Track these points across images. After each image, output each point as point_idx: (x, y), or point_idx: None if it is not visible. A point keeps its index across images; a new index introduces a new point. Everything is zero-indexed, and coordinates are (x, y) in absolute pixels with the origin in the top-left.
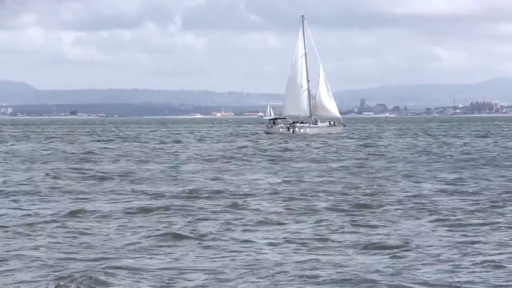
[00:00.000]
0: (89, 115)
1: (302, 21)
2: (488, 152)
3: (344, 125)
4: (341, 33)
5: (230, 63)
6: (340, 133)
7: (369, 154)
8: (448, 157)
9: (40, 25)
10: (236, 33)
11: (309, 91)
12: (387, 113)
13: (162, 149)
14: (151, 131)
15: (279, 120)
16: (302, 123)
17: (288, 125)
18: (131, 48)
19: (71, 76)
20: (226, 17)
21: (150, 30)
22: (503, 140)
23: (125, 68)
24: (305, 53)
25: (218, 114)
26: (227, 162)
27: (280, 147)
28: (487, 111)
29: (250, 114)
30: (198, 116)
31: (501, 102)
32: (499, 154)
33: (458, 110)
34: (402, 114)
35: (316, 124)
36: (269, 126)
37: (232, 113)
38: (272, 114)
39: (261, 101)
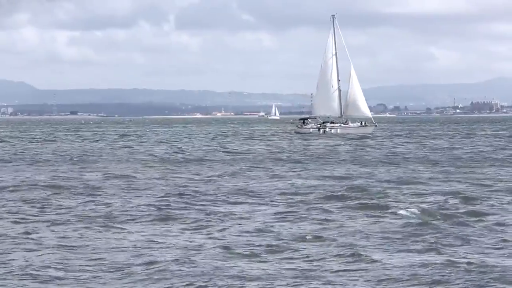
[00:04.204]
0: (89, 115)
1: (333, 20)
2: None
3: (376, 126)
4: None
5: (227, 62)
6: (370, 134)
7: None
8: None
9: (35, 24)
10: (230, 32)
11: (339, 90)
12: (387, 113)
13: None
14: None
15: (309, 120)
16: (333, 123)
17: (319, 125)
18: (127, 47)
19: (70, 76)
20: (219, 17)
21: (144, 30)
22: None
23: (123, 68)
24: (336, 53)
25: (219, 114)
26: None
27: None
28: (487, 111)
29: (250, 114)
30: (199, 115)
31: (501, 102)
32: None
33: (458, 110)
34: (403, 114)
35: (347, 124)
36: (299, 126)
37: (232, 113)
38: (277, 114)
39: (261, 101)
